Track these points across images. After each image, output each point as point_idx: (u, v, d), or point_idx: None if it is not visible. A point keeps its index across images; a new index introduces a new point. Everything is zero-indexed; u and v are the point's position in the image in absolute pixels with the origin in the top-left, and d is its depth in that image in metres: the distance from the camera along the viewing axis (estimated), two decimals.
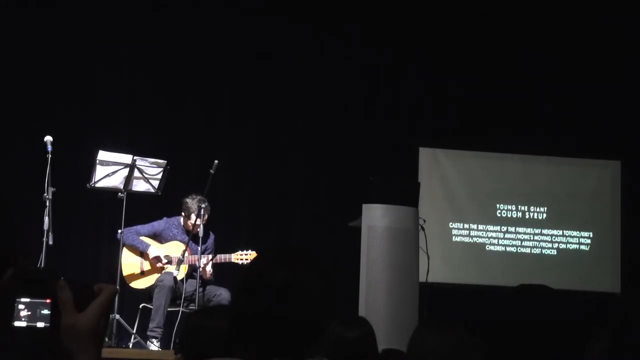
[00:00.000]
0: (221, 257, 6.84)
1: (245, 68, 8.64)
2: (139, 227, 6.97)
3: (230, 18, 8.59)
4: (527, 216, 8.93)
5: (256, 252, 6.75)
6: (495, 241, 8.89)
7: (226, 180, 8.07)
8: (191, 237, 6.84)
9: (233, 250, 6.87)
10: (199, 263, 6.69)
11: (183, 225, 7.00)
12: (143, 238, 6.95)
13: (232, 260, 6.80)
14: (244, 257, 6.78)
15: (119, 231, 6.84)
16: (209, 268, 6.80)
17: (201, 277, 6.73)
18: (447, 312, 7.55)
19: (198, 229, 6.77)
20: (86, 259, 8.11)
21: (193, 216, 6.87)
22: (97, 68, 8.33)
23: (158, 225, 7.03)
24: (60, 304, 1.42)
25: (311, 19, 8.72)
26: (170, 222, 7.05)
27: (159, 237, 7.02)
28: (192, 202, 6.89)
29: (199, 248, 6.72)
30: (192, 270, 6.86)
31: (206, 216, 6.83)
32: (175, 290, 6.74)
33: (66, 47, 8.19)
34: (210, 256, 6.85)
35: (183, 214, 6.97)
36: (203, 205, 6.79)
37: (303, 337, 1.71)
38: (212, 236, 7.01)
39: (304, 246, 1.88)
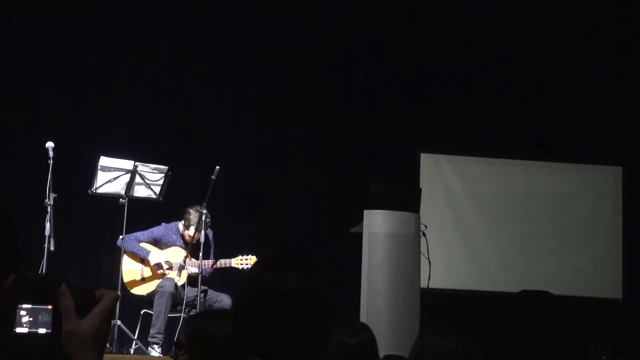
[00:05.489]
0: (222, 262, 6.84)
1: (246, 75, 8.65)
2: (139, 234, 6.97)
3: (232, 23, 8.60)
4: (528, 221, 8.90)
5: (257, 257, 6.75)
6: (497, 246, 8.87)
7: (228, 186, 8.07)
8: (190, 248, 6.81)
9: (234, 255, 6.87)
10: (200, 268, 6.69)
11: (181, 234, 7.00)
12: (143, 244, 6.95)
13: (233, 265, 6.80)
14: (244, 261, 6.78)
15: (120, 237, 6.84)
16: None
17: (204, 279, 6.73)
18: (448, 318, 7.54)
19: (196, 240, 6.77)
20: (87, 264, 8.12)
21: (192, 228, 6.85)
22: (98, 74, 8.34)
23: (157, 231, 7.03)
24: (61, 310, 1.42)
25: (312, 25, 8.74)
26: (169, 228, 7.05)
27: (158, 243, 7.01)
28: (195, 214, 6.86)
29: (200, 254, 6.71)
30: (192, 278, 6.86)
31: (202, 220, 6.81)
32: (176, 296, 6.74)
33: (66, 52, 8.20)
34: (211, 261, 6.84)
35: (183, 222, 6.96)
36: (204, 211, 6.77)
37: (311, 344, 1.72)
38: (210, 233, 7.00)
39: (303, 252, 1.89)
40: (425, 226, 6.46)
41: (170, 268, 6.89)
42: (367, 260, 6.07)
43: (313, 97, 8.66)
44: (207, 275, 6.86)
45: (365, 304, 5.99)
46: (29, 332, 1.43)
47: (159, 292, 6.70)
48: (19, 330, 1.43)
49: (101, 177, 6.76)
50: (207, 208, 6.81)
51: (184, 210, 6.96)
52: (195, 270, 6.74)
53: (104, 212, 7.98)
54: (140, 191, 6.91)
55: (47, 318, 1.43)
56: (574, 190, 8.99)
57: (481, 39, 8.97)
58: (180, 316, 6.67)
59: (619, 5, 9.00)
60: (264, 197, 8.54)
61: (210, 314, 3.37)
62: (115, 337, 6.56)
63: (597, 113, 8.97)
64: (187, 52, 8.54)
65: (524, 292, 2.02)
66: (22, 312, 1.43)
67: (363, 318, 5.81)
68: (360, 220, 6.21)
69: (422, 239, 6.35)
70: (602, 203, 9.01)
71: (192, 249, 6.81)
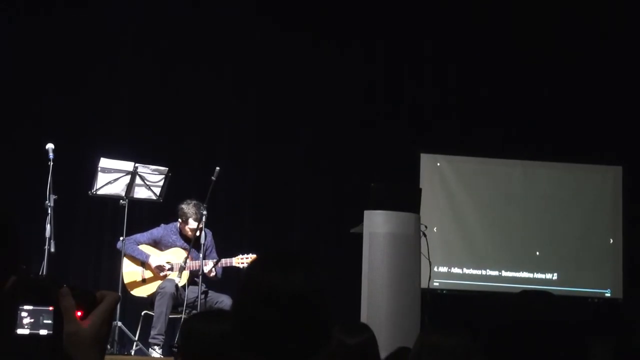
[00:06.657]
0: (222, 261, 6.84)
1: (247, 74, 8.65)
2: (138, 236, 6.97)
3: (232, 23, 8.60)
4: (528, 221, 8.90)
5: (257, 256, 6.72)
6: (497, 246, 8.86)
7: (228, 186, 8.07)
8: (192, 245, 6.82)
9: (234, 254, 6.87)
10: (202, 269, 6.68)
11: (181, 231, 7.00)
12: (143, 247, 6.95)
13: (234, 264, 6.80)
14: (245, 260, 6.78)
15: (120, 238, 6.83)
16: (211, 269, 6.79)
17: (205, 280, 6.72)
18: (448, 318, 7.54)
19: (197, 234, 6.77)
20: (88, 266, 8.12)
21: (191, 221, 6.86)
22: (99, 75, 8.35)
23: (157, 232, 7.03)
24: (62, 312, 1.42)
25: (312, 25, 8.74)
26: (168, 229, 7.05)
27: (158, 245, 7.01)
28: (188, 207, 6.89)
29: (200, 254, 6.71)
30: (194, 277, 6.86)
31: (203, 220, 6.81)
32: (176, 297, 6.74)
33: (67, 54, 8.20)
34: (213, 261, 6.84)
35: (180, 220, 6.97)
36: (204, 212, 6.78)
37: (312, 344, 1.72)
38: (209, 233, 7.00)
39: (302, 252, 1.88)
40: (426, 226, 6.46)
41: (172, 269, 6.89)
42: (368, 260, 6.07)
43: (313, 97, 8.66)
44: (219, 276, 6.86)
45: (365, 304, 5.99)
46: (30, 333, 1.43)
47: (159, 294, 6.70)
48: (20, 331, 1.43)
49: (101, 178, 6.77)
50: (207, 209, 6.80)
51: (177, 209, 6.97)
52: (208, 268, 6.74)
53: (104, 214, 7.99)
54: (140, 192, 6.91)
55: (48, 319, 1.43)
56: (574, 190, 8.98)
57: (481, 39, 8.96)
58: (181, 317, 6.67)
59: (619, 5, 9.00)
60: (264, 197, 8.54)
61: (207, 314, 3.37)
62: (116, 338, 6.57)
63: (597, 113, 8.96)
64: (188, 53, 8.54)
65: (525, 292, 2.03)
66: (23, 314, 1.43)
67: (363, 318, 5.81)
68: (360, 220, 6.21)
69: (422, 239, 6.36)
70: (602, 203, 9.00)
71: (193, 246, 6.80)
